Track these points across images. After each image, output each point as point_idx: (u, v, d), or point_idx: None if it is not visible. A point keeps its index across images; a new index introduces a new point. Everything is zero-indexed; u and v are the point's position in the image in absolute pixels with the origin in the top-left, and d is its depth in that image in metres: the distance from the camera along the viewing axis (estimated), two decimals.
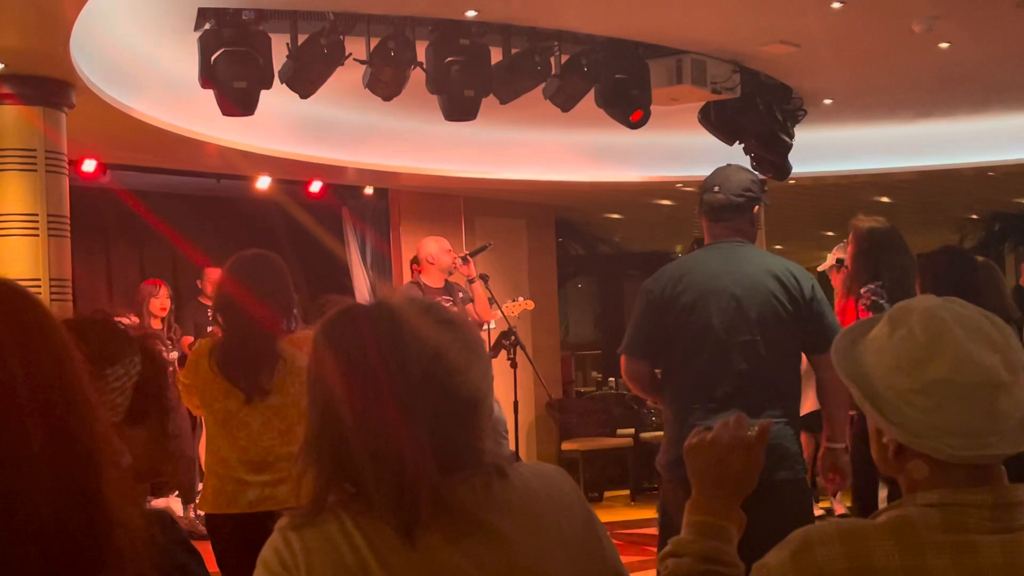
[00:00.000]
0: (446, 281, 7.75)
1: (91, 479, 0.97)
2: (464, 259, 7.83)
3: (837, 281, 6.57)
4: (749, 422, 1.85)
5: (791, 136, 8.19)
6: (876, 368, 1.73)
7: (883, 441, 1.75)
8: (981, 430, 1.66)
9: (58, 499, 0.94)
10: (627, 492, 10.44)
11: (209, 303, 8.67)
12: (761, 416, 4.03)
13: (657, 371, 4.34)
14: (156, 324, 8.30)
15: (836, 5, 6.33)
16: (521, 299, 9.33)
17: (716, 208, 4.26)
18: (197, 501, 4.88)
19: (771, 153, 8.10)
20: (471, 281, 7.78)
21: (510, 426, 8.46)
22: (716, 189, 4.26)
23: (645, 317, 4.25)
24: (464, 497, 1.63)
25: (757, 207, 4.29)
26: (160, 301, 8.34)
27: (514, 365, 8.35)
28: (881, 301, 5.40)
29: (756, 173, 4.40)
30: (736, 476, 1.83)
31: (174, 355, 8.14)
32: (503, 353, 8.38)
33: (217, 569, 3.92)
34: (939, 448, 1.66)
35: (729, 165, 4.41)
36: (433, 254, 7.67)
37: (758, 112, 7.79)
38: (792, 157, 8.32)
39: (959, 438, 1.66)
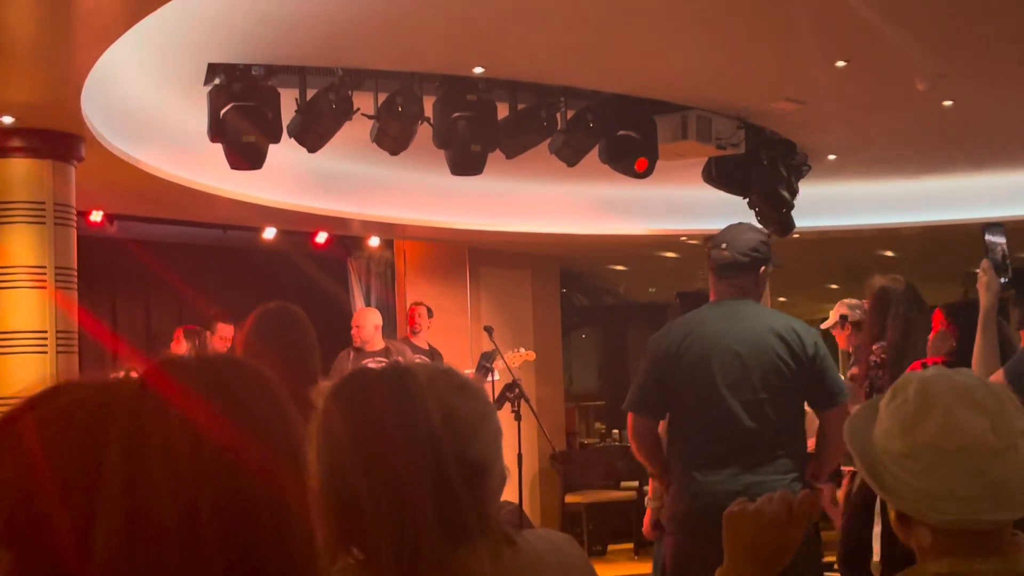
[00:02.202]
0: (385, 349, 8.08)
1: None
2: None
3: (842, 338, 6.53)
4: (793, 498, 1.85)
5: (795, 191, 8.22)
6: (877, 436, 1.76)
7: (889, 509, 1.76)
8: (971, 496, 1.66)
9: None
10: (631, 546, 10.38)
11: None
12: (765, 474, 4.08)
13: (660, 429, 4.38)
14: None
15: (840, 63, 6.37)
16: (523, 350, 9.38)
17: (722, 265, 4.29)
18: None
19: (775, 209, 8.13)
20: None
21: (514, 479, 8.44)
22: (724, 246, 4.30)
23: (650, 374, 4.30)
24: (473, 566, 1.63)
25: (764, 267, 4.33)
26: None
27: (518, 417, 8.34)
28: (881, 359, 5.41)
29: (765, 234, 4.45)
30: (771, 550, 1.83)
31: None
32: (507, 405, 8.38)
33: None
34: (929, 514, 1.67)
35: (740, 223, 4.45)
36: (357, 324, 8.16)
37: (762, 167, 7.83)
38: (797, 211, 8.36)
39: (950, 503, 1.67)
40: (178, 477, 0.87)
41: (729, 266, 4.28)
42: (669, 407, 4.29)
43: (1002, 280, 3.93)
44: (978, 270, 4.00)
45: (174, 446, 0.88)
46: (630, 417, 4.32)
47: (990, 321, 4.03)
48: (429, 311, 9.23)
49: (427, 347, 8.97)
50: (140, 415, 0.89)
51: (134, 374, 0.94)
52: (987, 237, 3.98)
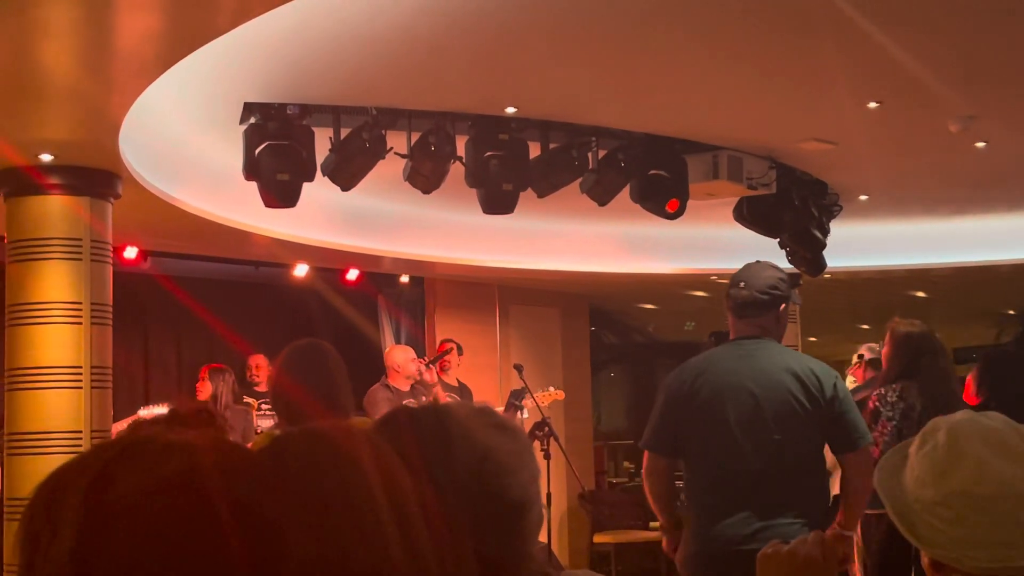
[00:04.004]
0: (412, 385, 8.19)
1: None
2: (427, 365, 8.40)
3: (858, 374, 6.89)
4: (825, 540, 1.84)
5: (827, 231, 8.21)
6: (908, 483, 1.75)
7: (922, 555, 1.76)
8: (1005, 542, 1.66)
9: None
10: None
11: (260, 389, 8.82)
12: (777, 517, 4.01)
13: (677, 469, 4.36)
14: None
15: (872, 105, 6.38)
16: (552, 389, 9.41)
17: (741, 304, 4.26)
18: None
19: (806, 248, 8.12)
20: (431, 386, 8.27)
21: None
22: (742, 285, 4.27)
23: (665, 412, 4.27)
24: None
25: (784, 305, 4.28)
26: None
27: (547, 456, 8.33)
28: (882, 408, 5.47)
29: (784, 271, 4.41)
30: None
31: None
32: (536, 444, 8.38)
33: None
34: (964, 561, 1.67)
35: (758, 261, 4.40)
36: (399, 363, 8.22)
37: (794, 207, 7.82)
38: (828, 251, 8.34)
39: (984, 550, 1.66)
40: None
41: (748, 304, 4.24)
42: (683, 447, 4.25)
43: None
44: None
45: (267, 542, 0.85)
46: (646, 455, 4.30)
47: None
48: (459, 349, 9.25)
49: (456, 384, 8.99)
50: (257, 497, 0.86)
51: (206, 434, 0.90)
52: None
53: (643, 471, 4.33)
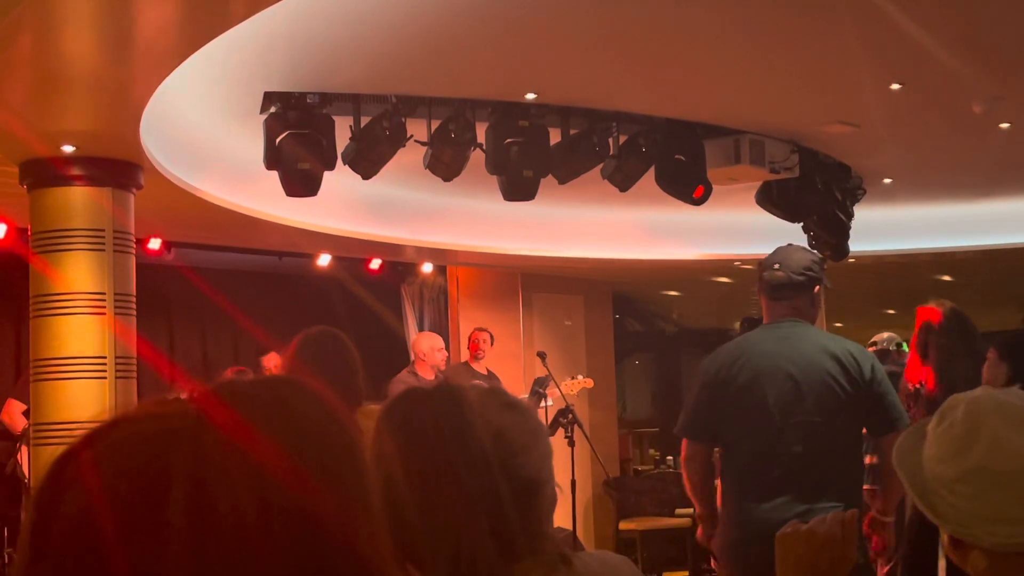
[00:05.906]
0: (436, 375, 8.20)
1: None
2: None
3: None
4: (845, 519, 1.84)
5: (850, 215, 8.17)
6: (926, 460, 1.75)
7: (942, 532, 1.75)
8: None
9: None
10: (686, 573, 10.29)
11: None
12: (818, 501, 3.98)
13: (715, 453, 4.33)
14: None
15: (895, 86, 6.34)
16: (580, 377, 9.40)
17: (775, 286, 4.20)
18: None
19: (830, 233, 8.08)
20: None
21: (567, 505, 8.42)
22: (776, 267, 4.21)
23: (702, 398, 4.22)
24: None
25: (818, 287, 4.25)
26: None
27: (572, 443, 8.32)
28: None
29: (816, 254, 4.39)
30: (826, 570, 1.82)
31: None
32: (560, 431, 8.37)
33: None
34: (982, 537, 1.66)
35: (790, 244, 4.38)
36: (424, 351, 8.29)
37: (817, 191, 7.79)
38: (852, 236, 8.30)
39: (1003, 526, 1.65)
40: (246, 516, 0.83)
41: (784, 286, 4.18)
42: (720, 432, 4.22)
43: None
44: None
45: (239, 485, 0.84)
46: (684, 443, 4.26)
47: None
48: (491, 337, 9.25)
49: (486, 372, 9.00)
50: (202, 450, 0.85)
51: (191, 398, 0.90)
52: None
53: (681, 459, 4.28)
